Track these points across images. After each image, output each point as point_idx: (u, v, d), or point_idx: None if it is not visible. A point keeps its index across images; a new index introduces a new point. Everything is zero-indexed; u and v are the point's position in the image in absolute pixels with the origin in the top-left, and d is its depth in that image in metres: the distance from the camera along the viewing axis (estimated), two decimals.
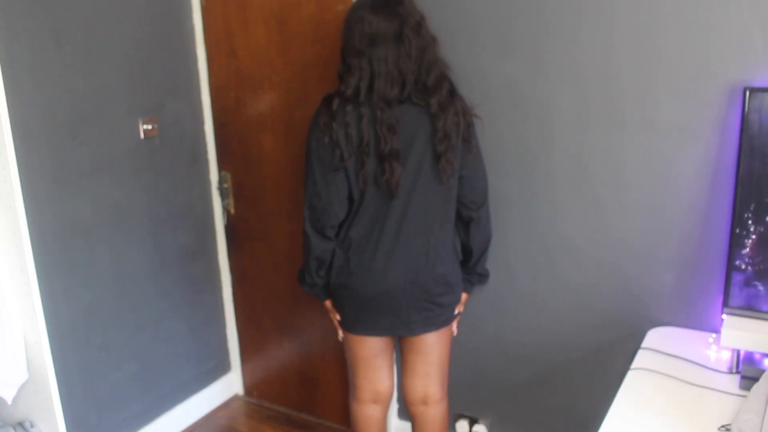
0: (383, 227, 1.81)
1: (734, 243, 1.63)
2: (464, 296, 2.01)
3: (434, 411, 2.03)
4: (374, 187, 1.79)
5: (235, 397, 2.90)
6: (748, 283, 1.64)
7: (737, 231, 1.62)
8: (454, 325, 2.03)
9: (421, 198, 1.80)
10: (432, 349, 1.97)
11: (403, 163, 1.76)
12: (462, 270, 1.99)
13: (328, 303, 2.00)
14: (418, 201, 1.80)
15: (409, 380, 2.04)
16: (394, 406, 2.47)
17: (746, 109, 1.58)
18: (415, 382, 2.02)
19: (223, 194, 2.67)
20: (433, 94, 1.76)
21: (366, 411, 2.08)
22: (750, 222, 1.61)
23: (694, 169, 1.77)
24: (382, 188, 1.78)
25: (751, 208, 1.60)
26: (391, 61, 1.72)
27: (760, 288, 1.62)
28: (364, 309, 1.89)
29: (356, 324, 1.94)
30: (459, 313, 2.01)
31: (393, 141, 1.73)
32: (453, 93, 1.82)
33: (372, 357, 2.00)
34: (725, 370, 1.65)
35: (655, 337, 1.82)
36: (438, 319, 1.92)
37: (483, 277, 2.07)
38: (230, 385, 2.89)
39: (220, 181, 2.66)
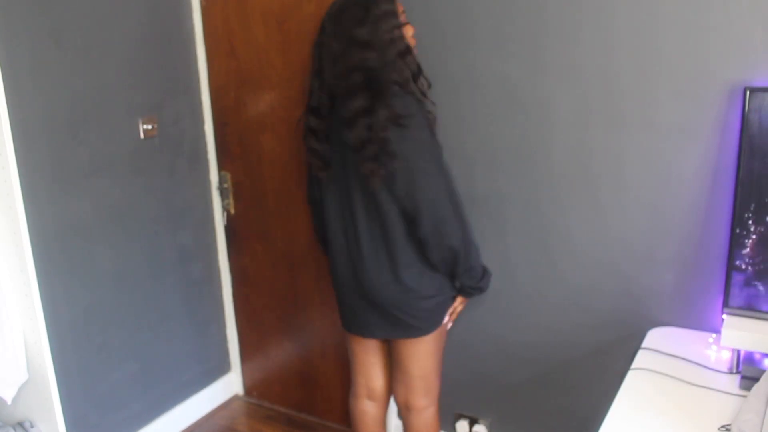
0: (337, 230, 1.88)
1: (734, 243, 1.63)
2: (458, 299, 1.94)
3: (417, 419, 2.01)
4: (329, 194, 1.88)
5: (235, 397, 2.90)
6: (748, 283, 1.64)
7: (737, 231, 1.62)
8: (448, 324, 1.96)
9: (362, 207, 1.80)
10: (408, 362, 1.93)
11: (347, 173, 1.80)
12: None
13: None
14: (361, 209, 1.80)
15: (393, 385, 2.05)
16: (394, 406, 2.47)
17: (746, 109, 1.58)
18: (397, 388, 2.02)
19: (223, 194, 2.67)
20: (343, 104, 1.75)
21: (360, 406, 2.10)
22: (750, 222, 1.60)
23: (694, 169, 1.77)
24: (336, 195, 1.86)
25: (751, 208, 1.60)
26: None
27: (761, 288, 1.62)
28: (342, 306, 1.97)
29: (342, 320, 2.00)
30: (445, 322, 1.93)
31: (325, 151, 1.84)
32: (377, 98, 1.68)
33: (362, 353, 2.04)
34: (725, 370, 1.65)
35: (655, 337, 1.82)
36: (399, 327, 1.85)
37: (472, 289, 1.90)
38: (230, 385, 2.89)
39: (220, 181, 2.66)
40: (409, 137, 1.69)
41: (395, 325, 1.85)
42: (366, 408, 2.10)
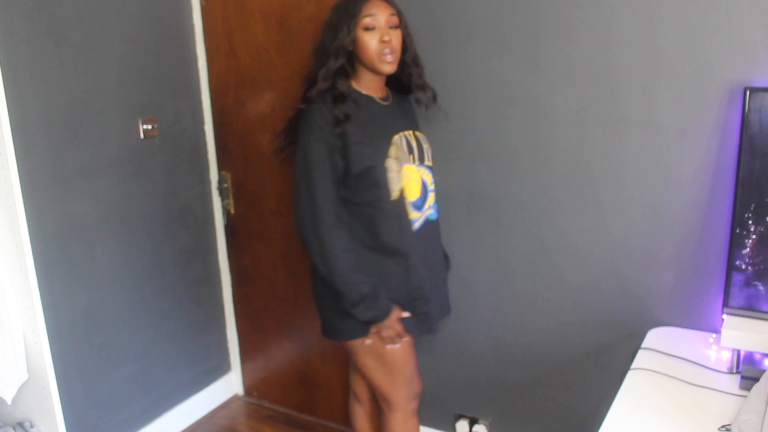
0: None
1: (734, 243, 1.63)
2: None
3: (384, 418, 1.99)
4: None
5: (235, 397, 2.90)
6: (748, 283, 1.64)
7: (737, 231, 1.62)
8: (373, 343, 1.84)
9: None
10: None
11: None
12: None
13: None
14: None
15: None
16: None
17: (746, 109, 1.58)
18: None
19: (223, 194, 2.67)
20: None
21: (352, 403, 2.18)
22: (750, 222, 1.60)
23: (694, 169, 1.77)
24: None
25: (751, 208, 1.60)
26: None
27: (761, 288, 1.62)
28: None
29: None
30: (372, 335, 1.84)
31: None
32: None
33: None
34: (725, 370, 1.65)
35: (655, 337, 1.82)
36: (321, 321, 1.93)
37: (351, 314, 1.77)
38: (230, 385, 2.89)
39: (220, 181, 2.66)
40: (298, 144, 1.78)
41: (323, 319, 1.91)
42: (354, 407, 2.17)
